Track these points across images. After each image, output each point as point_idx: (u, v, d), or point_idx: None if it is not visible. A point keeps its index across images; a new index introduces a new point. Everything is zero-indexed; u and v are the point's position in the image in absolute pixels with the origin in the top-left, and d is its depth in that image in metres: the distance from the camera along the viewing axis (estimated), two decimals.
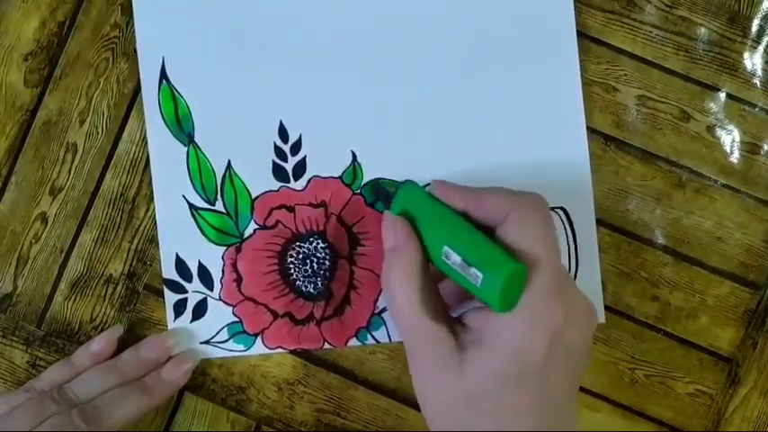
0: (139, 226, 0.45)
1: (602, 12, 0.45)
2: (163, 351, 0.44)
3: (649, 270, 0.45)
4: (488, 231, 0.37)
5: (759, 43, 0.45)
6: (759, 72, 0.45)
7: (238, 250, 0.44)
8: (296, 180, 0.44)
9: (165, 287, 0.44)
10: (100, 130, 0.46)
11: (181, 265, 0.44)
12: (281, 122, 0.44)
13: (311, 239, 0.44)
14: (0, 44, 0.45)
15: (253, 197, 0.44)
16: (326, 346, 0.44)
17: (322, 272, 0.44)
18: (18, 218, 0.45)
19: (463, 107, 0.44)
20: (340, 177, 0.44)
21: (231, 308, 0.44)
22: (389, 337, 0.44)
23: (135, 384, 0.42)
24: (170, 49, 0.44)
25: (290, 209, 0.44)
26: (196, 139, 0.44)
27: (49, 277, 0.45)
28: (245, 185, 0.44)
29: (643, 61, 0.45)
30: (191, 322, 0.44)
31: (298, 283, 0.44)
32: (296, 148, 0.44)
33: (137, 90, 0.45)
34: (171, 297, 0.44)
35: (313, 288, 0.44)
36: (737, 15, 0.45)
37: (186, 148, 0.44)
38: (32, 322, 0.45)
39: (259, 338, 0.44)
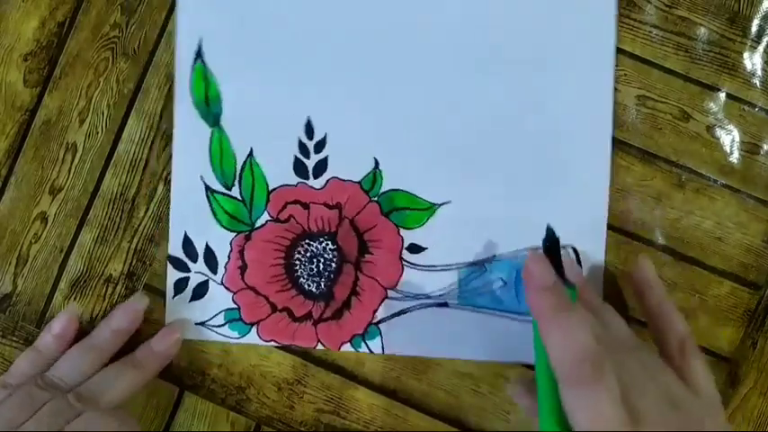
0: (139, 226, 0.45)
1: None
2: (135, 317, 0.43)
3: None
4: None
5: (759, 43, 0.45)
6: (759, 72, 0.45)
7: (247, 238, 0.44)
8: (315, 178, 0.44)
9: (168, 263, 0.44)
10: (100, 130, 0.46)
11: (188, 245, 0.44)
12: (308, 119, 0.44)
13: (321, 239, 0.44)
14: (0, 44, 0.45)
15: (270, 188, 0.44)
16: (320, 346, 0.44)
17: (327, 273, 0.44)
18: (18, 218, 0.45)
19: (491, 125, 0.44)
20: (359, 183, 0.44)
21: (231, 294, 0.44)
22: (383, 348, 0.44)
23: (124, 361, 0.42)
24: (209, 32, 0.44)
25: (305, 206, 0.44)
26: (222, 123, 0.44)
27: (49, 277, 0.45)
28: (263, 175, 0.44)
29: (643, 61, 0.45)
30: (189, 301, 0.44)
31: (301, 280, 0.44)
32: (320, 146, 0.44)
33: (137, 90, 0.45)
34: (173, 274, 0.44)
35: (315, 288, 0.44)
36: (737, 15, 0.45)
37: (211, 130, 0.44)
38: (32, 322, 0.45)
39: (254, 328, 0.44)
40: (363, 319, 0.44)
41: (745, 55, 0.45)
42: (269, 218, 0.44)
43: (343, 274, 0.44)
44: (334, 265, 0.44)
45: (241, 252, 0.44)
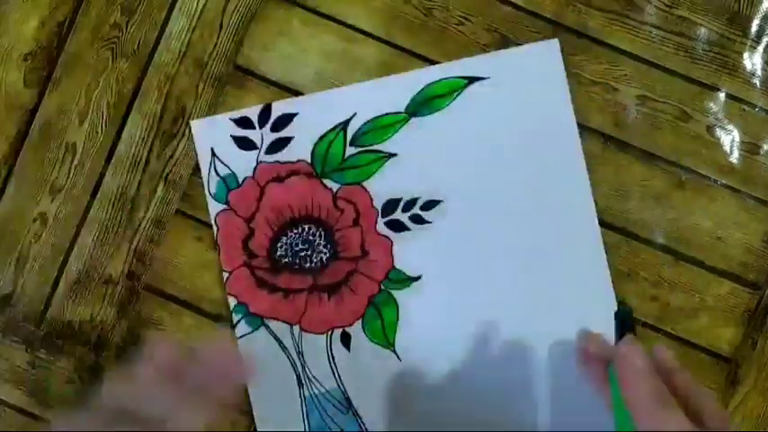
0: (139, 226, 0.45)
1: (602, 12, 0.45)
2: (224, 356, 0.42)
3: (649, 270, 0.45)
4: None
5: (759, 43, 0.45)
6: (759, 72, 0.45)
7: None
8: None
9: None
10: (99, 130, 0.46)
11: None
12: None
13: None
14: (0, 44, 0.45)
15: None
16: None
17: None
18: (18, 218, 0.45)
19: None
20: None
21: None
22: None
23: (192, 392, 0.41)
24: None
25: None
26: None
27: (49, 277, 0.45)
28: None
29: (643, 61, 0.45)
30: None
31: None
32: None
33: (136, 90, 0.46)
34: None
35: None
36: (737, 15, 0.45)
37: None
38: (32, 322, 0.45)
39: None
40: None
41: (745, 55, 0.45)
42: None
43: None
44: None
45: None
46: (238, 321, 0.44)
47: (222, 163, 0.45)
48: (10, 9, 0.46)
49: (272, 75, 0.46)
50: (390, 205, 0.45)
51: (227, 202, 0.45)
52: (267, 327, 0.44)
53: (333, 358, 0.44)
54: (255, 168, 0.45)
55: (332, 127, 0.45)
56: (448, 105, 0.45)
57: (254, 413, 0.44)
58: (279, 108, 0.45)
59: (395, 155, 0.45)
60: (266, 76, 0.46)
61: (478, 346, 0.44)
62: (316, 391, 0.44)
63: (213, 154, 0.45)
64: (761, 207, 0.45)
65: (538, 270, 0.44)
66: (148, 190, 0.45)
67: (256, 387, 0.44)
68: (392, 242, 0.45)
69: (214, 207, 0.45)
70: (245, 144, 0.45)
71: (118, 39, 0.46)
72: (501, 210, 0.44)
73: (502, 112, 0.45)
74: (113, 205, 0.45)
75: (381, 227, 0.45)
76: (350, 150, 0.45)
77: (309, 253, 0.44)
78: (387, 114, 0.45)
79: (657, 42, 0.45)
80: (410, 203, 0.45)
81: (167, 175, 0.45)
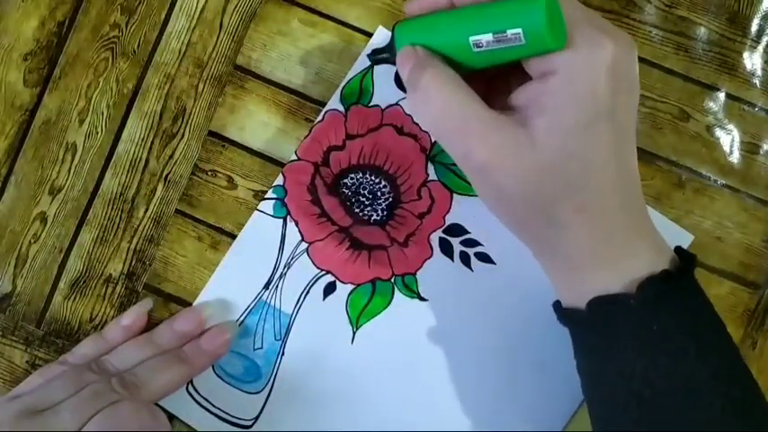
0: (139, 226, 0.45)
1: (602, 12, 0.45)
2: (198, 323, 0.43)
3: None
4: None
5: (758, 43, 0.45)
6: (758, 72, 0.45)
7: None
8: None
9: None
10: (99, 130, 0.46)
11: None
12: None
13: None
14: (0, 44, 0.45)
15: None
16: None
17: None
18: (17, 217, 0.45)
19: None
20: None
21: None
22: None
23: (173, 353, 0.42)
24: None
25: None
26: None
27: (49, 277, 0.45)
28: None
29: (643, 61, 0.45)
30: None
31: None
32: None
33: (136, 90, 0.46)
34: None
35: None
36: (737, 15, 0.45)
37: None
38: (32, 322, 0.45)
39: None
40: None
41: (745, 55, 0.45)
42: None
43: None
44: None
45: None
46: (268, 198, 0.45)
47: (372, 79, 0.45)
48: (10, 9, 0.46)
49: (272, 75, 0.46)
50: (456, 229, 0.44)
51: (347, 109, 0.45)
52: (285, 223, 0.45)
53: (306, 294, 0.44)
54: (390, 106, 0.45)
55: None
56: None
57: (211, 276, 0.45)
58: None
59: None
60: (266, 76, 0.46)
61: (419, 387, 0.44)
62: (272, 303, 0.44)
63: (372, 66, 0.45)
64: (761, 207, 0.45)
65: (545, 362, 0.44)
66: (148, 190, 0.45)
67: (233, 257, 0.45)
68: (431, 256, 0.44)
69: (333, 103, 0.45)
70: (400, 82, 0.45)
71: (118, 39, 0.46)
72: (531, 306, 0.43)
73: None
74: (113, 205, 0.45)
75: (435, 238, 0.44)
76: None
77: (367, 203, 0.45)
78: None
79: (657, 42, 0.45)
80: (471, 242, 0.44)
81: (167, 175, 0.45)
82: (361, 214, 0.45)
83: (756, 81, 0.45)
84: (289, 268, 0.45)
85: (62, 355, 0.43)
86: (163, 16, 0.46)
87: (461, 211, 0.44)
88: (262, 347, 0.44)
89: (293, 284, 0.45)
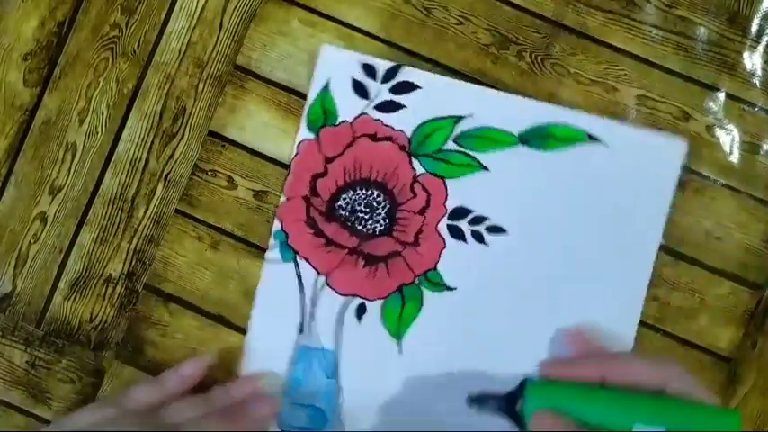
0: (138, 226, 0.45)
1: (602, 12, 0.45)
2: (253, 391, 0.43)
3: None
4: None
5: (758, 43, 0.45)
6: (758, 72, 0.45)
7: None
8: None
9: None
10: (99, 130, 0.46)
11: None
12: None
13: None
14: (0, 44, 0.45)
15: None
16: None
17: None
18: (17, 217, 0.45)
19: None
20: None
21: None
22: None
23: (221, 411, 0.42)
24: None
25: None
26: None
27: (49, 277, 0.45)
28: None
29: (643, 61, 0.45)
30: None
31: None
32: None
33: (136, 90, 0.46)
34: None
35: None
36: (737, 15, 0.45)
37: None
38: (32, 322, 0.45)
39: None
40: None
41: (745, 55, 0.45)
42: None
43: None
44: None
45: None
46: (273, 246, 0.45)
47: (331, 97, 0.45)
48: (10, 9, 0.46)
49: (272, 75, 0.46)
50: (460, 212, 0.45)
51: (317, 134, 0.45)
52: (296, 264, 0.45)
53: (341, 323, 0.44)
54: (358, 117, 0.45)
55: (445, 116, 0.45)
56: (559, 149, 0.44)
57: (247, 336, 0.44)
58: (407, 74, 0.45)
59: (487, 169, 0.44)
60: (266, 76, 0.46)
61: (479, 377, 0.44)
62: (311, 345, 0.44)
63: (327, 85, 0.45)
64: (761, 207, 0.45)
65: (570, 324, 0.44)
66: (148, 190, 0.45)
67: (260, 315, 0.45)
68: (445, 245, 0.44)
69: (303, 134, 0.45)
70: (360, 90, 0.45)
71: (118, 39, 0.46)
72: (556, 265, 0.44)
73: (604, 180, 0.44)
74: (113, 205, 0.45)
75: (442, 227, 0.45)
76: (450, 145, 0.45)
77: (367, 218, 0.45)
78: (500, 130, 0.45)
79: (657, 42, 0.45)
80: (478, 219, 0.44)
81: (167, 175, 0.45)
82: (364, 230, 0.45)
83: (756, 81, 0.45)
84: (315, 306, 0.44)
85: (116, 397, 0.42)
86: (163, 16, 0.46)
87: (458, 193, 0.45)
88: (318, 390, 0.44)
89: (325, 319, 0.44)
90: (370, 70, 0.45)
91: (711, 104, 0.45)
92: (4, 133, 0.46)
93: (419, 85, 0.45)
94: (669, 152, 0.44)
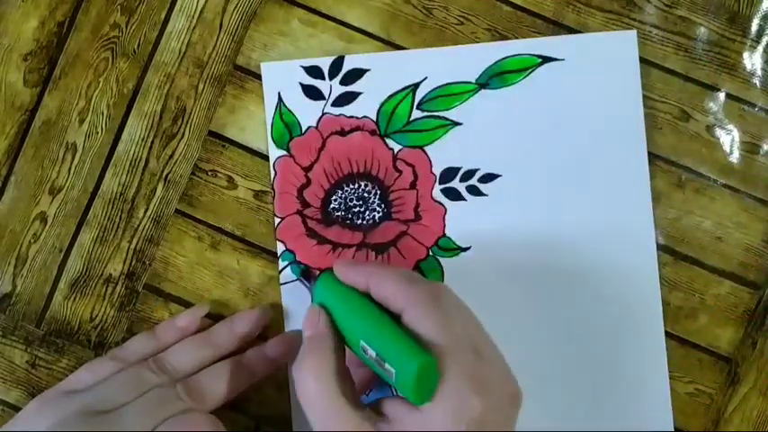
0: (139, 226, 0.45)
1: (602, 12, 0.45)
2: (256, 326, 0.43)
3: None
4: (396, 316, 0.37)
5: (758, 43, 0.45)
6: (759, 72, 0.45)
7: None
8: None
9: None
10: (99, 130, 0.46)
11: None
12: None
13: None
14: (0, 44, 0.45)
15: None
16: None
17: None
18: (17, 217, 0.45)
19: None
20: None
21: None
22: None
23: (235, 360, 0.42)
24: None
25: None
26: None
27: (49, 277, 0.45)
28: None
29: (643, 61, 0.45)
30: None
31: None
32: None
33: (136, 90, 0.46)
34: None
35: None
36: (737, 15, 0.45)
37: None
38: (32, 322, 0.45)
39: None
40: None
41: (745, 55, 0.45)
42: None
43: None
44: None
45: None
46: (284, 268, 0.45)
47: (288, 109, 0.45)
48: (10, 9, 0.46)
49: None
50: (449, 173, 0.45)
51: (287, 149, 0.45)
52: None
53: None
54: (320, 119, 0.45)
55: (401, 88, 0.45)
56: (519, 81, 0.45)
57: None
58: (351, 62, 0.45)
59: (460, 124, 0.45)
60: None
61: (518, 327, 0.44)
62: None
63: (280, 99, 0.45)
64: (761, 207, 0.45)
65: (587, 253, 0.44)
66: (148, 190, 0.45)
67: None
68: (446, 210, 0.45)
69: (274, 152, 0.45)
70: (312, 93, 0.45)
71: (118, 39, 0.46)
72: (557, 191, 0.45)
73: (572, 95, 0.45)
74: (113, 205, 0.45)
75: (437, 193, 0.45)
76: (416, 113, 0.45)
77: (363, 210, 0.45)
78: (457, 83, 0.45)
79: (657, 42, 0.45)
80: (469, 174, 0.45)
81: (167, 175, 0.45)
82: (364, 222, 0.45)
83: (756, 81, 0.45)
84: None
85: (111, 350, 0.43)
86: (163, 16, 0.46)
87: (441, 156, 0.45)
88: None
89: None
90: (315, 71, 0.45)
91: (711, 104, 0.45)
92: (4, 133, 0.46)
93: (367, 68, 0.45)
94: (622, 46, 0.45)
